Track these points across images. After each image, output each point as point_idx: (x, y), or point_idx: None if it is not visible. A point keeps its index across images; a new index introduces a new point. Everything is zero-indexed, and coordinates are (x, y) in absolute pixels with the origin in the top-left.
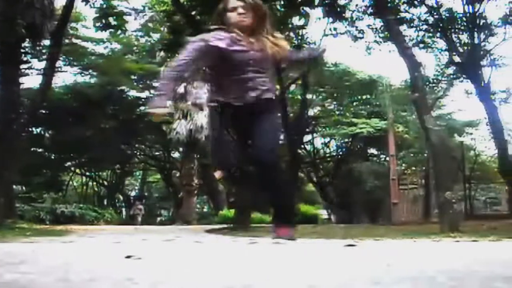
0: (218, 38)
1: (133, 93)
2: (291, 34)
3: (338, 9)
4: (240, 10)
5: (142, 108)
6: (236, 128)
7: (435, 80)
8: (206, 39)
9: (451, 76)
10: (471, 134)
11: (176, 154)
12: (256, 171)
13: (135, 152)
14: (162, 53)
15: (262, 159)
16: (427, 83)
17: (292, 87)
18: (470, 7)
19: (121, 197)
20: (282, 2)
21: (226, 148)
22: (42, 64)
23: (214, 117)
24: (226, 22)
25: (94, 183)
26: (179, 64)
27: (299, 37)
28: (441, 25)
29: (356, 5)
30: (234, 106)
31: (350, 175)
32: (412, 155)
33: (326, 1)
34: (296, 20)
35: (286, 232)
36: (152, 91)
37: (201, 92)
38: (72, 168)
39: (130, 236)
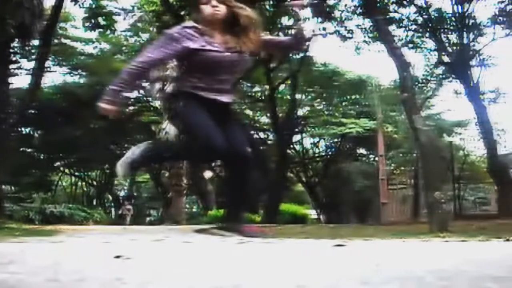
0: (190, 38)
1: None
2: (280, 34)
3: (327, 9)
4: (214, 3)
5: (131, 108)
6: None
7: (424, 80)
8: (177, 39)
9: (440, 76)
10: (460, 134)
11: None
12: (234, 169)
13: (124, 152)
14: None
15: (241, 154)
16: (416, 83)
17: (282, 87)
18: (459, 7)
19: (110, 197)
20: (271, 2)
21: (216, 131)
22: (31, 64)
23: (190, 105)
24: (200, 16)
25: (83, 183)
26: (144, 61)
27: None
28: (430, 25)
29: (345, 5)
30: (204, 102)
31: (339, 175)
32: (401, 155)
33: (315, 1)
34: (285, 20)
35: (255, 229)
36: (140, 92)
37: None
38: (61, 168)
39: (119, 236)
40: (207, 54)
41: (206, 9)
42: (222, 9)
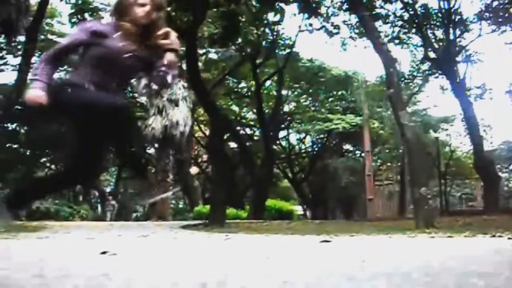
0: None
1: None
2: (267, 30)
3: (314, 5)
4: (148, 8)
5: None
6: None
7: (410, 76)
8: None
9: (426, 72)
10: (446, 130)
11: (151, 150)
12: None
13: (110, 147)
14: None
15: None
16: (402, 79)
17: (268, 83)
18: (446, 3)
19: (96, 193)
20: None
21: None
22: (18, 60)
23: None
24: (127, 14)
25: None
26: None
27: (274, 33)
28: (416, 21)
29: (332, 1)
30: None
31: (325, 171)
32: (387, 151)
33: None
34: (271, 16)
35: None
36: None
37: (176, 88)
38: (47, 164)
39: (105, 232)
40: (103, 48)
41: (138, 11)
42: (149, 17)
